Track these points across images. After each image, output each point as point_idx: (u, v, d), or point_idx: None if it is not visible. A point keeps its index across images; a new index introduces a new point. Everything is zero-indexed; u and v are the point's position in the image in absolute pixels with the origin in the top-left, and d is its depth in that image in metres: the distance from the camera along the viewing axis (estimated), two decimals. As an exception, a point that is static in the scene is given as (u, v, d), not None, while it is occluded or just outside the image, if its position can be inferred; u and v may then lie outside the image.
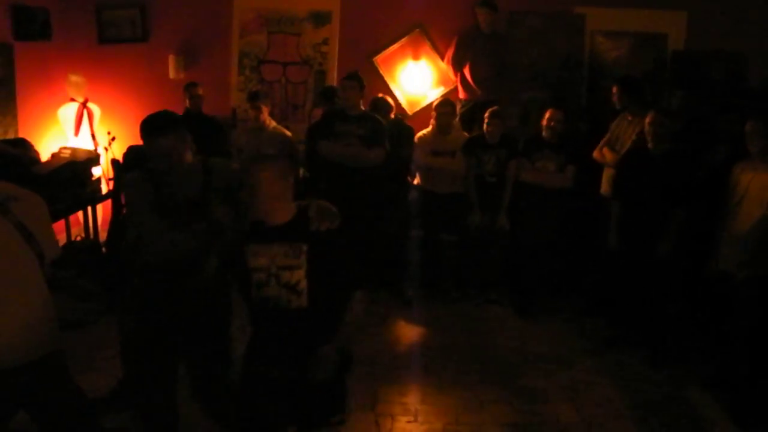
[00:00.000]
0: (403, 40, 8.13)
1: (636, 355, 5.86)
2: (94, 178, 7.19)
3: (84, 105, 8.03)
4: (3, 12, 7.49)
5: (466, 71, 7.80)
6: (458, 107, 7.63)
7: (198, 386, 4.07)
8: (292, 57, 8.28)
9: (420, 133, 7.08)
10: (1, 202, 3.10)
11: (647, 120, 5.70)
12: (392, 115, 7.27)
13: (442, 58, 8.05)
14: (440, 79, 8.15)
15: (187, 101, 7.44)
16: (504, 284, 7.07)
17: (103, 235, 7.16)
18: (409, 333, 6.36)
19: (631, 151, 6.05)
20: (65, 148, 7.33)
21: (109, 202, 7.14)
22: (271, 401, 3.36)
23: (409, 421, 4.82)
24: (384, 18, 8.13)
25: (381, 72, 8.11)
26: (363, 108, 6.64)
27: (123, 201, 7.29)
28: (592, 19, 7.96)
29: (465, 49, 7.81)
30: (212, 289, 3.76)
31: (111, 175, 7.55)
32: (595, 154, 6.49)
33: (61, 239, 6.50)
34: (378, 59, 8.13)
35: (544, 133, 6.69)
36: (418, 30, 8.11)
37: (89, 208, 7.18)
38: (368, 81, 6.77)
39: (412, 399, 5.14)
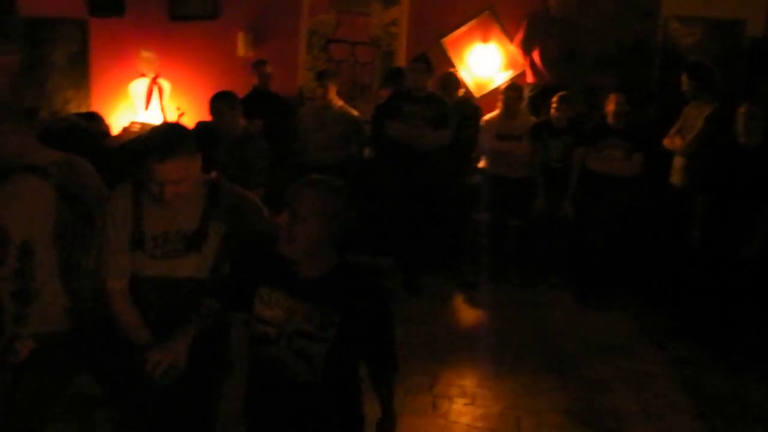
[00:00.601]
0: (473, 22, 8.06)
1: (700, 350, 5.74)
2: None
3: (154, 80, 8.15)
4: (79, -11, 7.65)
5: (535, 55, 7.71)
6: (526, 91, 7.55)
7: None
8: (360, 37, 8.27)
9: (487, 117, 7.04)
10: (44, 167, 3.08)
11: (740, 111, 5.53)
12: (460, 93, 7.25)
13: (512, 41, 7.97)
14: (509, 63, 8.06)
15: (256, 79, 7.51)
16: (566, 271, 7.01)
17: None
18: (469, 316, 6.35)
19: (722, 144, 5.81)
20: (135, 122, 7.49)
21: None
22: None
23: (466, 404, 4.81)
24: (453, 0, 8.08)
25: (449, 54, 8.05)
26: (431, 90, 6.63)
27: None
28: (666, 3, 7.78)
29: (534, 33, 7.71)
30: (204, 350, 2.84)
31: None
32: (666, 141, 6.35)
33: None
34: (446, 41, 8.07)
35: (609, 120, 6.59)
36: (487, 12, 8.02)
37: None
38: (436, 63, 6.76)
39: (470, 382, 5.14)
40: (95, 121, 6.63)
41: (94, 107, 7.77)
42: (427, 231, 6.75)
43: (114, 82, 8.22)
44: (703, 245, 5.75)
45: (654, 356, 5.67)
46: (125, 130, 7.19)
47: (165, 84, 8.26)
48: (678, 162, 6.21)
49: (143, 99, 8.15)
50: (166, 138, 2.90)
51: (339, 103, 7.24)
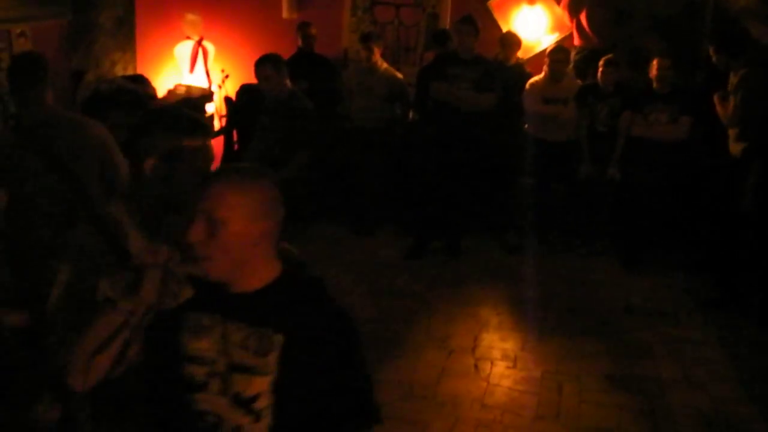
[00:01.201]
0: (519, -17, 7.96)
1: (743, 319, 5.68)
2: (207, 115, 7.38)
3: (199, 43, 8.18)
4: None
5: (583, 17, 7.59)
6: (572, 54, 7.45)
7: None
8: (405, -1, 8.22)
9: (532, 80, 6.96)
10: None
11: None
12: (519, 54, 7.20)
13: (559, 3, 7.85)
14: (555, 25, 7.94)
15: (300, 41, 7.51)
16: (610, 236, 6.96)
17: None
18: (511, 280, 6.34)
19: None
20: (180, 85, 7.55)
21: (221, 138, 7.33)
22: None
23: (508, 367, 4.84)
24: (500, -40, 7.97)
25: (495, 16, 7.95)
26: (477, 52, 6.58)
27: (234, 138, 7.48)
28: (719, -36, 7.60)
29: (582, -6, 7.60)
30: None
31: (224, 112, 7.73)
32: (718, 108, 6.19)
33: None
34: (492, 3, 7.97)
35: (654, 84, 6.50)
36: (534, -27, 7.92)
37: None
38: (482, 25, 6.68)
39: (512, 345, 5.16)
40: (141, 83, 6.71)
41: (140, 70, 7.84)
42: (470, 194, 6.74)
43: (159, 44, 8.26)
44: (756, 211, 5.66)
45: (697, 323, 5.65)
46: (170, 92, 7.26)
47: (210, 47, 8.28)
48: (732, 130, 6.09)
49: (188, 62, 8.19)
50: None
51: (383, 65, 7.22)
